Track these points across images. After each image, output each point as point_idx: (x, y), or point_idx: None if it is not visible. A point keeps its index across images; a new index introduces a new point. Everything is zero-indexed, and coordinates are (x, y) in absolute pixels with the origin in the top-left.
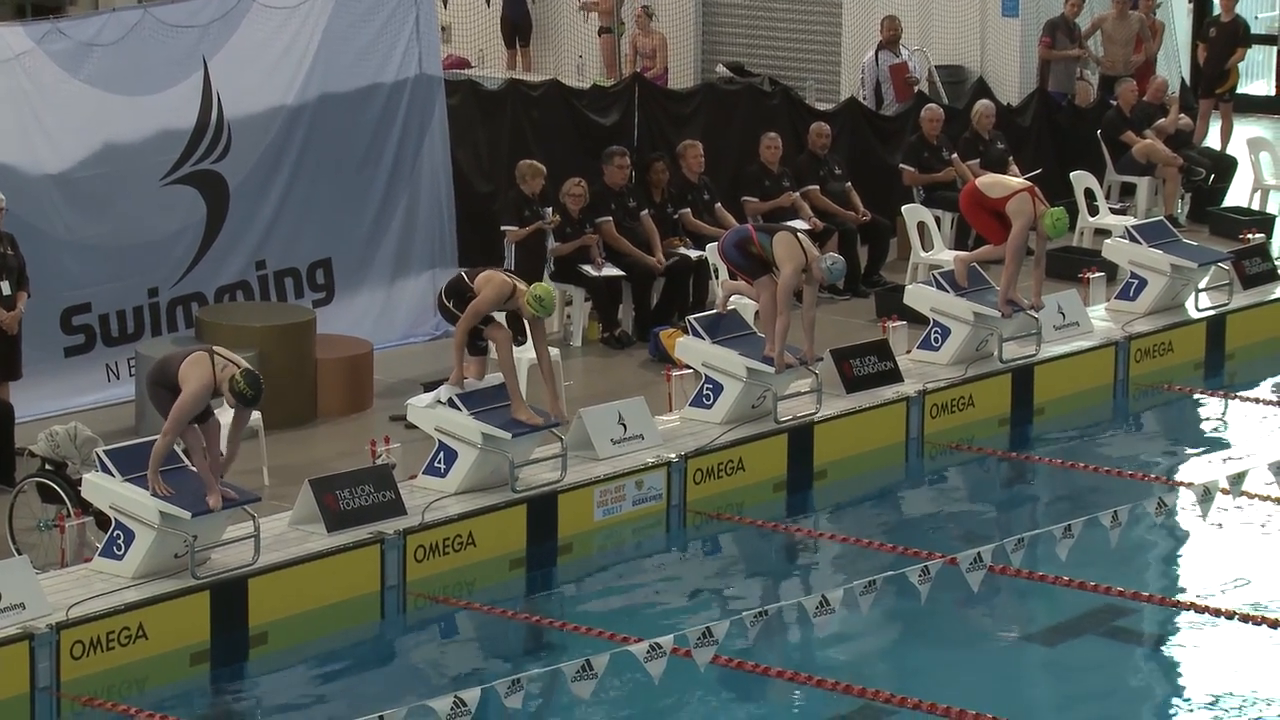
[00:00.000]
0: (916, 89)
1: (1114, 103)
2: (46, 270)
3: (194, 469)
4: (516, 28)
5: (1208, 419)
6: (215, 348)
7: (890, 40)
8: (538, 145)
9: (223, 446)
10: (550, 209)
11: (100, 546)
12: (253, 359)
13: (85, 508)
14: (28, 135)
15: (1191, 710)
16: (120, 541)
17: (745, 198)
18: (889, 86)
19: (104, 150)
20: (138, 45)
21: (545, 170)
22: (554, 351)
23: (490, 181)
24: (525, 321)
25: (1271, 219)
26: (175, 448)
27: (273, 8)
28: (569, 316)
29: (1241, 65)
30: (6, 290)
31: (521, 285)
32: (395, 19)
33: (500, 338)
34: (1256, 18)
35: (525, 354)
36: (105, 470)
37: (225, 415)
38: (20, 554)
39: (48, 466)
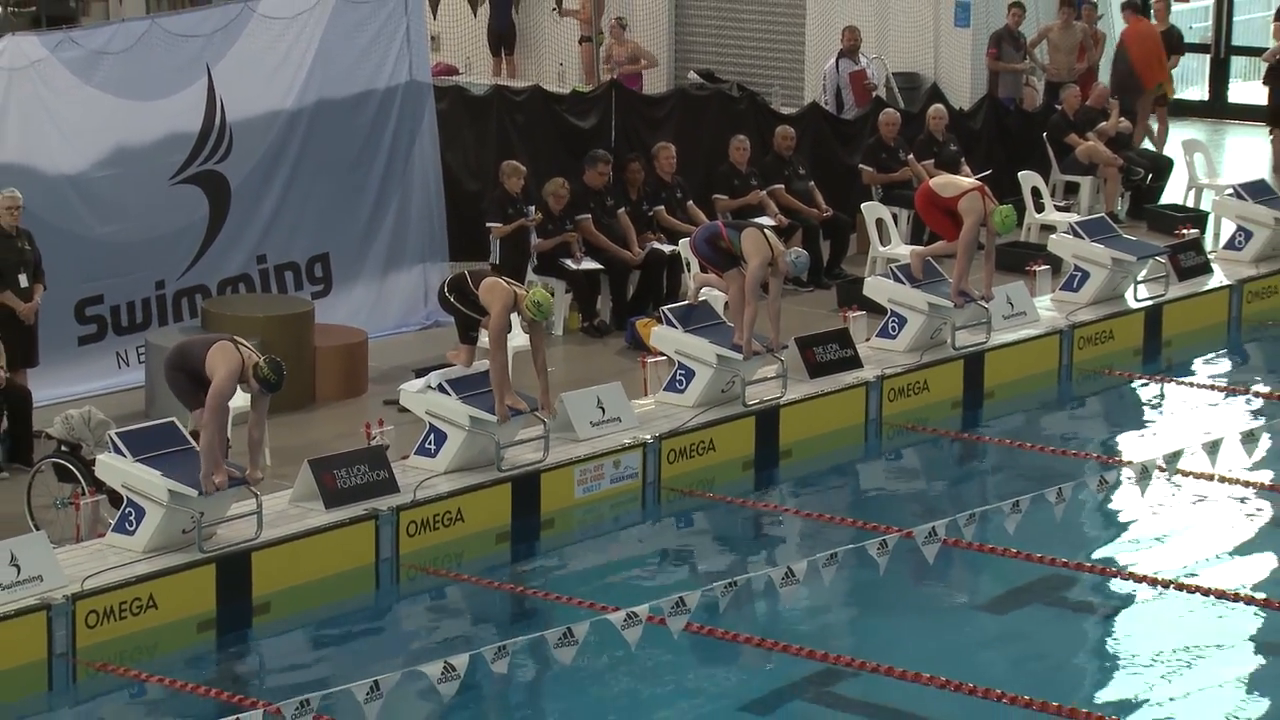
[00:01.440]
0: (874, 94)
1: (1059, 107)
2: (61, 264)
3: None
4: (501, 37)
5: (1146, 402)
6: (235, 336)
7: (850, 49)
8: (521, 147)
9: (229, 433)
10: (533, 207)
11: (113, 523)
12: (255, 347)
13: (99, 486)
14: (44, 138)
15: (1129, 672)
16: (132, 518)
17: (715, 196)
18: (849, 92)
19: (115, 152)
20: (146, 53)
21: (525, 170)
22: None
23: (478, 181)
24: (526, 321)
25: (1205, 215)
26: (183, 429)
27: (272, 19)
28: None
29: (1176, 71)
30: (24, 283)
31: (520, 290)
32: (387, 29)
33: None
34: (1191, 28)
35: (512, 341)
36: (117, 451)
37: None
38: (38, 530)
39: (63, 448)
